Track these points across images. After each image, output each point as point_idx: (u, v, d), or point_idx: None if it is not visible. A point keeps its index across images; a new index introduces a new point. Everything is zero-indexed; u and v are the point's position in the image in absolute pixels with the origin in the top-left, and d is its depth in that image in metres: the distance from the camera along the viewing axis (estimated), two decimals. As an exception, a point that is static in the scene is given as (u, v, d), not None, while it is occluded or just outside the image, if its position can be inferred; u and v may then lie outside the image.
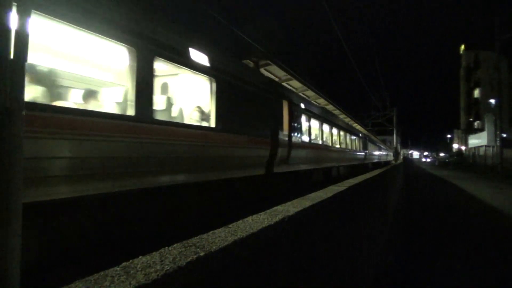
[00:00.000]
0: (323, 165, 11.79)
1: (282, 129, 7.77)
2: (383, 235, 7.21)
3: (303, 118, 9.66)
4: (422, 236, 8.70)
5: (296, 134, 8.60)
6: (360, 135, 20.55)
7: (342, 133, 14.98)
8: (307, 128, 9.95)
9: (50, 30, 3.43)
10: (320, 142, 11.39)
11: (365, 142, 21.97)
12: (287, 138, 7.98)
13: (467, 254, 6.88)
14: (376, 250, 5.93)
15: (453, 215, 11.24)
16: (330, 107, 16.79)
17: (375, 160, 28.49)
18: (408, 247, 7.72)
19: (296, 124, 8.71)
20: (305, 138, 9.64)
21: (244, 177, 6.37)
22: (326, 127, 12.46)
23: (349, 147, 16.79)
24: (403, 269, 6.25)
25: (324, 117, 11.97)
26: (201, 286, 1.13)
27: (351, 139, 17.38)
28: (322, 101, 15.22)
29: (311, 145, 10.08)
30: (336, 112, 18.37)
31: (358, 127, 24.56)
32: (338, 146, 14.02)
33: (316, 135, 11.55)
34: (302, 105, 9.56)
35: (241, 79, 6.12)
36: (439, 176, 29.62)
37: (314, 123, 11.04)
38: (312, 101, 13.23)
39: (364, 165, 21.81)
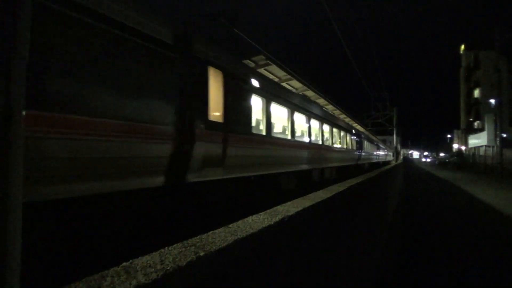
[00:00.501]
0: (297, 168, 8.94)
1: (207, 114, 4.93)
2: (383, 236, 7.22)
3: (259, 102, 7.07)
4: (422, 238, 8.67)
5: (242, 123, 6.02)
6: (354, 131, 17.79)
7: (327, 127, 12.24)
8: (266, 116, 7.18)
9: None
10: (290, 136, 8.53)
11: (361, 141, 19.49)
12: (221, 128, 5.29)
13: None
14: (376, 252, 5.94)
15: (455, 220, 11.13)
16: (330, 107, 16.79)
17: (373, 161, 26.40)
18: (408, 250, 7.70)
19: (242, 109, 6.06)
20: (262, 130, 7.15)
21: (108, 193, 3.59)
22: (300, 118, 9.64)
23: (339, 145, 14.19)
24: (403, 271, 6.24)
25: (297, 104, 9.08)
26: (201, 286, 1.13)
27: (341, 136, 14.69)
28: (322, 101, 15.23)
29: (273, 141, 7.39)
30: (337, 112, 18.30)
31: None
32: (320, 143, 11.23)
33: (284, 127, 8.98)
34: (256, 83, 6.65)
35: (93, 14, 3.32)
36: (440, 177, 29.38)
37: (280, 111, 8.50)
38: (277, 83, 10.22)
39: (358, 166, 19.02)
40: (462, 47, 69.76)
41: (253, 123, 6.93)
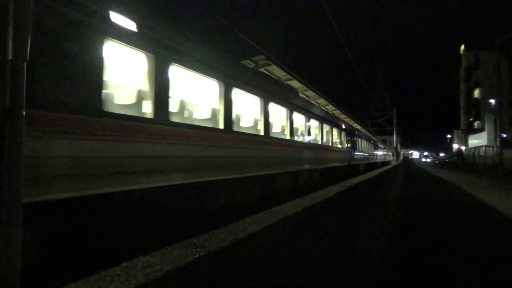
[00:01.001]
0: (245, 173, 6.12)
1: None
2: (383, 236, 7.22)
3: (141, 61, 4.16)
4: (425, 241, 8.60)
5: (81, 92, 3.18)
6: (344, 126, 14.73)
7: (300, 117, 9.37)
8: (161, 89, 4.24)
9: None
10: (223, 125, 5.61)
11: (354, 138, 16.45)
12: None
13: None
14: (377, 252, 5.94)
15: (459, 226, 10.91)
16: (330, 107, 16.79)
17: (370, 161, 24.02)
18: (409, 249, 7.68)
19: (76, 66, 3.16)
20: (147, 114, 4.15)
21: None
22: (246, 99, 6.79)
23: (321, 142, 11.06)
24: (404, 272, 6.22)
25: (236, 77, 5.95)
26: (201, 286, 1.13)
27: (325, 131, 11.68)
28: (322, 101, 15.24)
29: (176, 131, 4.39)
30: (337, 112, 18.29)
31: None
32: (289, 137, 8.39)
33: (214, 111, 5.93)
34: (123, 23, 3.73)
35: None
36: (443, 179, 28.40)
37: (200, 83, 5.53)
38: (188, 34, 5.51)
39: (351, 168, 16.01)
40: (462, 47, 69.90)
41: (122, 97, 4.44)
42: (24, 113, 1.08)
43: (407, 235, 8.66)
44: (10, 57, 1.05)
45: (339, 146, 14.01)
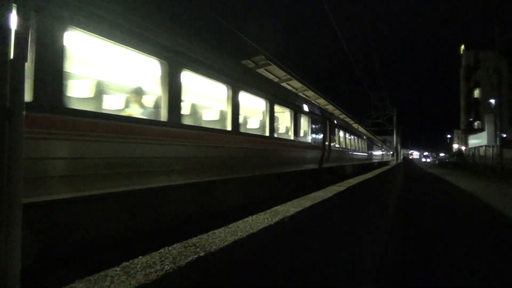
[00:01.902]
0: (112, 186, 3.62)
1: None
2: (384, 235, 7.21)
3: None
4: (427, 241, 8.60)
5: None
6: (307, 108, 9.75)
7: (228, 91, 5.91)
8: None
9: None
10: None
11: (328, 129, 11.65)
12: None
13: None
14: (378, 251, 5.93)
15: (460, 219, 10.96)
16: (330, 107, 16.78)
17: (364, 161, 20.99)
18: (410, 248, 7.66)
19: None
20: None
21: None
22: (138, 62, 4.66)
23: (238, 129, 6.20)
24: (403, 272, 6.22)
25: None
26: (201, 286, 1.13)
27: (248, 109, 7.94)
28: (322, 101, 15.23)
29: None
30: (336, 112, 18.27)
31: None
32: (217, 125, 6.06)
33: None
34: None
35: None
36: (450, 182, 26.16)
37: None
38: None
39: (324, 172, 11.87)
40: (462, 47, 69.94)
41: None
42: (24, 113, 1.08)
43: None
44: (10, 57, 1.05)
45: (295, 138, 8.88)
